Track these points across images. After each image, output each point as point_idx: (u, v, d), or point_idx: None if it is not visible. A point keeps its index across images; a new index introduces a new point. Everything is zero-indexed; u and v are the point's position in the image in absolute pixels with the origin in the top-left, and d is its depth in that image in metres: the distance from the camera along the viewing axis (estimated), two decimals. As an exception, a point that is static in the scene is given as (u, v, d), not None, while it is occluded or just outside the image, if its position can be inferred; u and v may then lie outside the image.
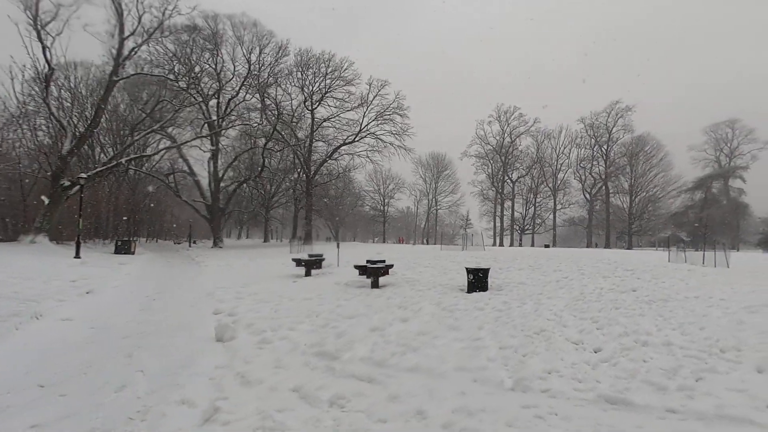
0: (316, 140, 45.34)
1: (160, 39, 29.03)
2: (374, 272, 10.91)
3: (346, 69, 40.58)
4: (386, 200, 71.16)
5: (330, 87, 41.49)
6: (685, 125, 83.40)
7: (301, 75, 40.64)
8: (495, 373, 4.34)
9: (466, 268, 10.49)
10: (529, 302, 8.44)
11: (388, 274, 13.00)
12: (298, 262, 14.23)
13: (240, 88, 36.70)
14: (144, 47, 27.66)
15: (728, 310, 7.47)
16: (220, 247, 35.83)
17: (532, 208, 68.86)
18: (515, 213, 69.68)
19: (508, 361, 4.78)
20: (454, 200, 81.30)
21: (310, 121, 43.43)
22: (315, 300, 9.07)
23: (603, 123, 61.13)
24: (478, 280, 10.28)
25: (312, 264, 14.21)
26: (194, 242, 40.16)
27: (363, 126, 42.67)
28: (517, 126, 65.94)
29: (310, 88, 41.96)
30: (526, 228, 68.68)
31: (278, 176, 49.34)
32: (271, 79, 37.77)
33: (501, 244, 65.15)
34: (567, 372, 4.43)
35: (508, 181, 69.29)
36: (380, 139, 42.90)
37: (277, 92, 39.16)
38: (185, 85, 31.68)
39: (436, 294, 9.71)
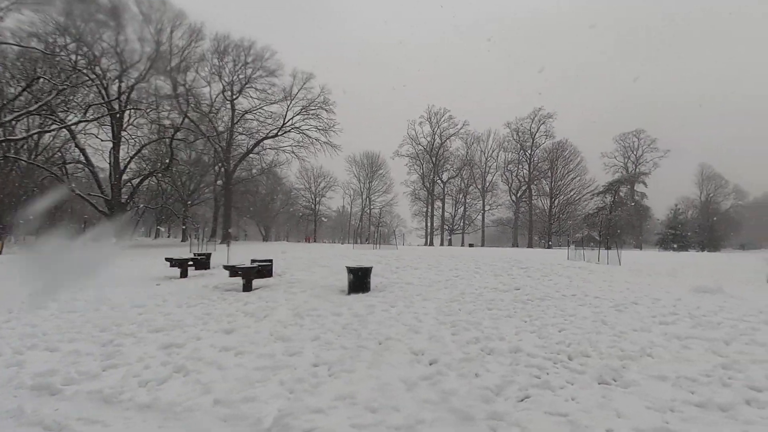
0: (239, 133, 42.68)
1: (38, 7, 25.26)
2: (245, 274, 9.57)
3: (268, 59, 38.52)
4: (318, 199, 69.28)
5: (251, 77, 39.17)
6: (600, 134, 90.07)
7: (219, 62, 37.92)
8: (259, 407, 3.27)
9: (347, 268, 9.50)
10: (401, 304, 7.59)
11: (270, 275, 11.69)
12: (173, 263, 12.47)
13: (147, 72, 33.31)
14: (20, 16, 23.92)
15: (597, 309, 7.11)
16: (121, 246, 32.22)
17: (462, 208, 70.50)
18: (445, 213, 70.96)
19: (299, 386, 3.72)
20: (388, 200, 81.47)
21: (230, 112, 40.70)
22: (150, 307, 7.56)
23: (527, 128, 64.03)
24: (358, 281, 9.33)
25: (188, 264, 12.52)
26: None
27: (287, 120, 40.81)
28: (447, 128, 67.24)
29: (231, 77, 39.36)
30: (455, 228, 70.12)
31: (198, 170, 45.80)
32: (183, 63, 34.72)
33: (431, 244, 65.94)
34: (363, 397, 3.46)
35: (439, 181, 70.37)
36: (306, 135, 41.30)
37: (192, 79, 36.12)
38: (83, 63, 27.91)
39: (308, 297, 8.59)
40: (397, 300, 8.02)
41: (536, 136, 63.44)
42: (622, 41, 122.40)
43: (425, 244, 66.65)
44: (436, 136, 68.36)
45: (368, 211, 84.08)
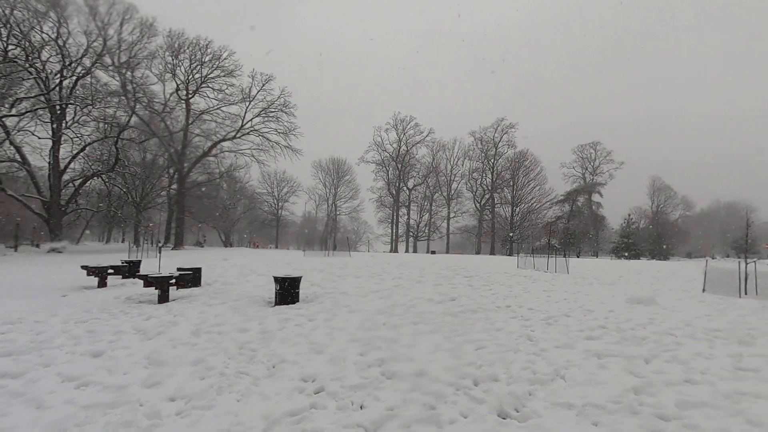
0: (195, 134, 40.97)
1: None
2: (159, 284, 8.69)
3: (226, 58, 37.24)
4: (281, 204, 67.72)
5: (207, 76, 37.74)
6: (560, 145, 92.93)
7: (173, 60, 36.30)
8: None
9: (274, 278, 8.80)
10: (321, 318, 6.98)
11: (197, 284, 10.83)
12: (90, 271, 11.34)
13: (92, 67, 31.41)
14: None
15: (527, 323, 6.74)
16: (59, 252, 29.96)
17: (427, 215, 70.68)
18: (411, 220, 70.96)
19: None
20: (354, 206, 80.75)
21: (185, 112, 39.04)
22: (28, 323, 6.60)
23: (491, 138, 65.06)
24: (285, 292, 8.65)
25: (107, 273, 11.44)
26: (16, 247, 32.94)
27: (246, 122, 39.55)
28: (413, 135, 67.42)
29: (186, 75, 37.77)
30: (420, 235, 70.21)
31: (153, 172, 43.56)
32: (134, 60, 33.01)
33: (396, 250, 65.67)
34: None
35: (405, 188, 70.39)
36: (266, 138, 40.11)
37: (142, 75, 34.38)
38: (19, 54, 25.82)
39: (225, 309, 7.84)
40: (319, 313, 7.40)
41: (499, 146, 64.61)
42: (582, 57, 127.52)
43: (390, 250, 66.37)
44: (402, 143, 68.47)
45: (334, 217, 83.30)
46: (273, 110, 39.78)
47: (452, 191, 69.07)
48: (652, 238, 55.35)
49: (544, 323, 6.70)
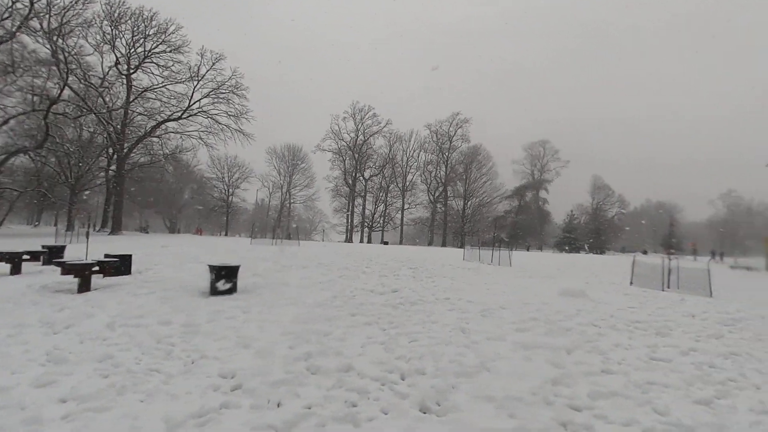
0: (137, 113, 38.38)
1: None
2: (77, 271, 7.99)
3: (172, 33, 35.02)
4: (231, 190, 65.28)
5: (152, 51, 35.33)
6: (512, 142, 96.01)
7: (113, 30, 33.64)
8: None
9: (210, 267, 8.36)
10: (255, 310, 6.69)
11: (127, 273, 10.13)
12: (0, 256, 10.27)
13: (16, 31, 28.45)
14: None
15: (463, 315, 6.81)
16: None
17: (383, 206, 70.84)
18: (366, 210, 70.87)
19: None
20: (310, 194, 79.46)
21: (126, 88, 36.41)
22: None
23: (446, 131, 66.06)
24: (222, 281, 8.23)
25: (21, 259, 10.43)
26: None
27: (193, 102, 37.51)
28: (371, 125, 67.10)
29: (128, 49, 35.17)
30: (375, 225, 70.34)
31: (90, 152, 40.32)
32: (66, 27, 30.23)
33: (350, 240, 65.46)
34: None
35: (361, 178, 70.07)
36: (215, 120, 38.29)
37: (77, 45, 31.60)
38: None
39: (151, 300, 7.34)
40: (256, 305, 7.09)
41: (454, 139, 65.75)
42: (533, 57, 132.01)
43: (345, 240, 66.06)
44: (360, 132, 67.96)
45: (288, 205, 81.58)
46: (224, 91, 38.03)
47: (407, 183, 69.70)
48: (592, 233, 58.73)
49: (480, 315, 6.80)
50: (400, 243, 65.27)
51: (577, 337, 5.68)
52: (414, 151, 69.19)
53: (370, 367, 4.30)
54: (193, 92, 37.41)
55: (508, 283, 10.56)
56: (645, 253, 50.43)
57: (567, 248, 52.27)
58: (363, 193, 70.23)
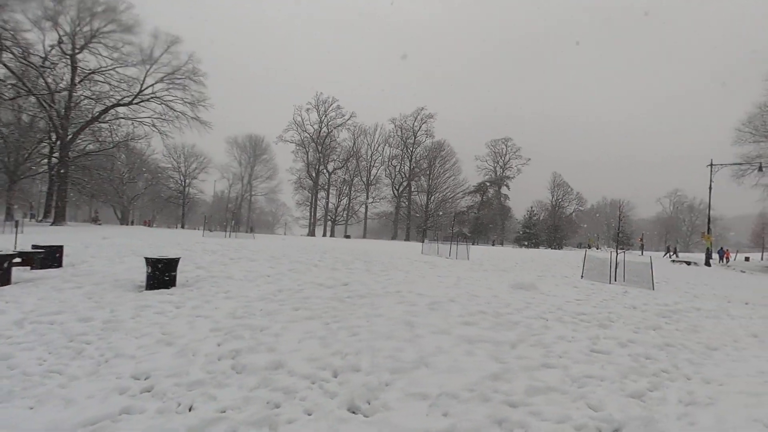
0: (84, 96, 35.90)
1: None
2: (-7, 263, 7.22)
3: (123, 11, 32.93)
4: (188, 181, 62.74)
5: (99, 30, 33.10)
6: (475, 138, 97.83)
7: (55, 5, 31.21)
8: None
9: (146, 259, 7.79)
10: (190, 305, 6.27)
11: (58, 265, 9.37)
12: None
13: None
14: None
15: (412, 308, 6.63)
16: None
17: (346, 199, 70.22)
18: (329, 204, 70.06)
19: None
20: (272, 186, 77.70)
21: (71, 69, 33.97)
22: None
23: (410, 126, 66.14)
24: (159, 274, 7.70)
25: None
26: None
27: (145, 87, 35.50)
28: (335, 117, 66.19)
29: (72, 26, 32.77)
30: (338, 219, 69.67)
31: (30, 137, 37.36)
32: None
33: (313, 234, 64.57)
34: None
35: (325, 171, 69.12)
36: (169, 106, 36.44)
37: (11, 19, 29.09)
38: None
39: (77, 294, 6.74)
40: (192, 299, 6.65)
41: (418, 134, 65.96)
42: (497, 55, 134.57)
43: (308, 234, 65.07)
44: (324, 124, 66.88)
45: (249, 197, 79.43)
46: (179, 77, 36.19)
47: (371, 177, 69.31)
48: (550, 229, 60.70)
49: (428, 309, 6.65)
50: (364, 237, 65.01)
51: (523, 331, 5.64)
52: (379, 145, 68.95)
53: (302, 364, 4.03)
54: (145, 76, 35.42)
55: (461, 276, 10.53)
56: (598, 249, 52.68)
57: (526, 243, 53.76)
58: (326, 187, 69.36)
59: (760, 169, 27.84)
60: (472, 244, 49.09)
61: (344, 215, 69.40)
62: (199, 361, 4.01)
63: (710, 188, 26.90)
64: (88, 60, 34.93)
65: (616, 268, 12.45)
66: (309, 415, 3.10)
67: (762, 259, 47.99)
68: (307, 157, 67.76)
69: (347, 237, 47.96)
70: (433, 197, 65.63)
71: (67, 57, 33.43)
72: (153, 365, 3.84)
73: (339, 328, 5.33)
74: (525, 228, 60.37)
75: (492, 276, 11.18)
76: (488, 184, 65.17)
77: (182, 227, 60.44)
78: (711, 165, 27.00)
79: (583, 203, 71.25)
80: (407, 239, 62.01)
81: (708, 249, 26.75)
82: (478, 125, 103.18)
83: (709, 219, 29.04)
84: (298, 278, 8.89)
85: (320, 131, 66.68)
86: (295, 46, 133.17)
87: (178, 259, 8.15)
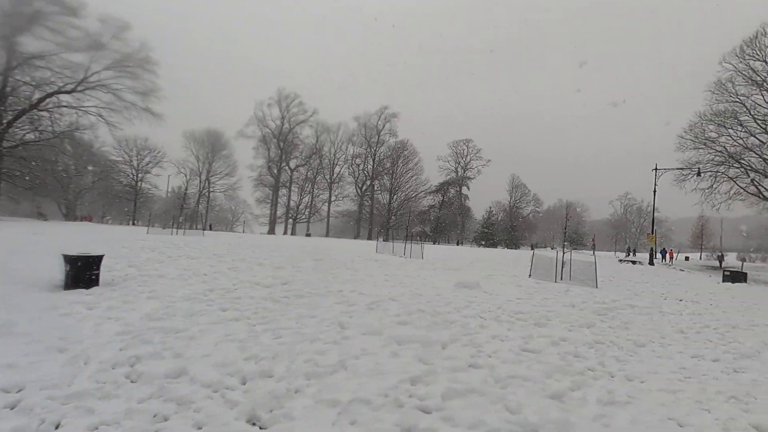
0: (23, 82, 33.30)
1: None
2: None
3: (66, -7, 30.76)
4: (140, 175, 59.76)
5: (40, 11, 30.80)
6: (437, 138, 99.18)
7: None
8: None
9: (64, 257, 7.14)
10: (104, 305, 5.75)
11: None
12: None
13: None
14: None
15: (349, 308, 6.42)
16: None
17: (309, 197, 69.19)
18: (291, 201, 68.80)
19: None
20: (231, 183, 75.29)
21: (6, 51, 31.44)
22: None
23: (374, 124, 65.99)
24: (79, 273, 7.08)
25: None
26: None
27: (91, 73, 33.40)
28: (297, 114, 65.05)
29: (11, 6, 30.31)
30: (300, 217, 68.54)
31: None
32: None
33: (273, 232, 63.20)
34: None
35: (287, 168, 67.85)
36: (117, 96, 34.46)
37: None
38: None
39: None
40: (108, 300, 6.11)
41: (382, 133, 65.92)
42: (457, 57, 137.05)
43: (268, 232, 63.59)
44: (286, 120, 65.59)
45: (207, 194, 76.67)
46: (130, 65, 34.30)
47: (335, 175, 68.65)
48: (508, 229, 62.23)
49: (366, 308, 6.44)
50: (327, 236, 64.28)
51: (458, 330, 5.52)
52: (342, 143, 68.32)
53: (209, 370, 3.69)
54: (91, 62, 33.30)
55: (410, 275, 10.41)
56: (552, 248, 54.60)
57: (483, 243, 54.87)
58: (288, 184, 68.08)
59: (699, 174, 29.63)
60: (433, 244, 49.76)
61: (306, 213, 68.37)
62: (90, 369, 3.58)
63: (654, 192, 28.30)
64: (26, 43, 32.46)
65: (562, 268, 12.72)
66: (199, 429, 2.78)
67: (700, 258, 51.29)
68: (269, 154, 66.31)
69: (308, 235, 47.21)
70: (395, 196, 65.80)
71: (3, 39, 30.91)
72: (32, 376, 3.38)
73: (264, 330, 5.01)
74: (483, 228, 61.58)
75: (442, 275, 11.13)
76: (449, 183, 65.99)
77: (133, 224, 57.52)
78: (656, 169, 28.42)
79: (539, 204, 73.57)
80: (370, 238, 61.83)
81: (652, 249, 28.12)
82: (440, 126, 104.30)
83: (653, 221, 30.58)
84: (237, 277, 8.45)
85: (282, 127, 65.38)
86: (258, 39, 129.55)
87: (101, 256, 7.52)
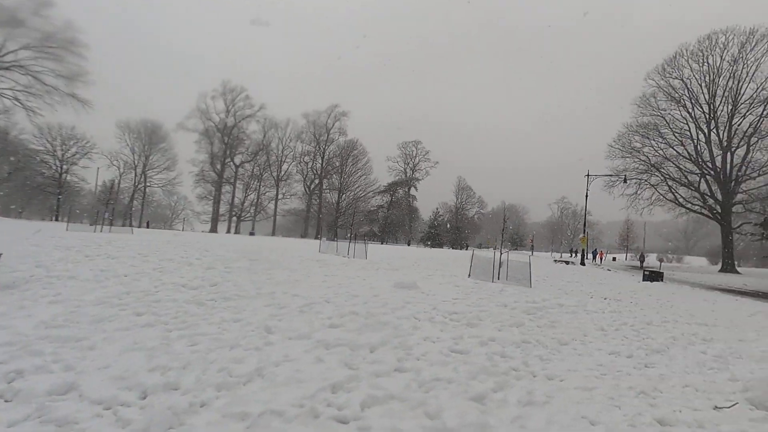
0: None
1: None
2: None
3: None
4: (66, 167, 54.92)
5: (-58, -21, 27.37)
6: (387, 139, 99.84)
7: None
8: None
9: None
10: (-7, 312, 5.04)
11: None
12: None
13: None
14: None
15: (280, 311, 6.13)
16: None
17: (254, 195, 67.07)
18: (236, 199, 66.32)
19: None
20: (170, 178, 71.16)
21: None
22: None
23: (324, 122, 65.24)
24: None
25: None
26: None
27: (5, 52, 30.21)
28: (243, 108, 62.84)
29: None
30: (245, 215, 66.28)
31: None
32: None
33: (215, 230, 60.58)
34: None
35: (231, 164, 65.32)
36: (37, 78, 31.43)
37: None
38: None
39: None
40: (2, 305, 5.40)
41: (331, 132, 65.32)
42: (405, 62, 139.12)
43: (210, 230, 60.81)
44: (231, 114, 63.13)
45: (143, 189, 71.92)
46: (52, 46, 31.39)
47: (282, 172, 67.12)
48: (454, 230, 63.94)
49: (297, 311, 6.18)
50: (273, 234, 62.63)
51: (390, 332, 5.41)
52: (290, 140, 66.97)
53: (104, 384, 3.30)
54: (5, 40, 30.10)
55: (350, 275, 10.23)
56: (496, 249, 56.74)
57: (429, 243, 55.93)
58: (233, 181, 65.58)
59: (625, 181, 31.98)
60: (381, 244, 50.03)
61: (252, 211, 66.22)
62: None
63: (587, 196, 30.18)
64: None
65: (499, 268, 13.10)
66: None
67: (626, 259, 55.49)
68: (212, 148, 63.58)
69: (251, 234, 45.64)
70: (344, 196, 65.44)
71: None
72: None
73: (180, 336, 4.62)
74: (430, 228, 62.83)
75: (383, 275, 11.05)
76: (398, 184, 66.66)
77: (56, 219, 52.70)
78: (588, 175, 30.32)
79: (484, 206, 76.24)
80: (317, 237, 60.98)
81: (583, 250, 29.96)
82: (390, 127, 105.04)
83: (585, 223, 32.60)
84: (160, 278, 7.86)
85: (227, 121, 62.84)
86: (201, 30, 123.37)
87: (-2, 255, 6.69)
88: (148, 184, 71.36)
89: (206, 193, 64.73)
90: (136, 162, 68.88)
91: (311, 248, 17.89)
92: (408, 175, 69.69)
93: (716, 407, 3.94)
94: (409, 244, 55.11)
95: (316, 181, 66.42)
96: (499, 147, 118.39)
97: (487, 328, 6.15)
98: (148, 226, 52.91)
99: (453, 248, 55.29)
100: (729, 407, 3.91)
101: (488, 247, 52.59)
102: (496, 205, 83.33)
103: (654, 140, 36.61)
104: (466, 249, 56.03)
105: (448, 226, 63.71)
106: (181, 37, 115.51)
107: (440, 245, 57.21)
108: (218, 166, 63.62)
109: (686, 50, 34.86)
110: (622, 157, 36.78)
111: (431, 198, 72.97)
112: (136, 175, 69.89)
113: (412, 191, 68.87)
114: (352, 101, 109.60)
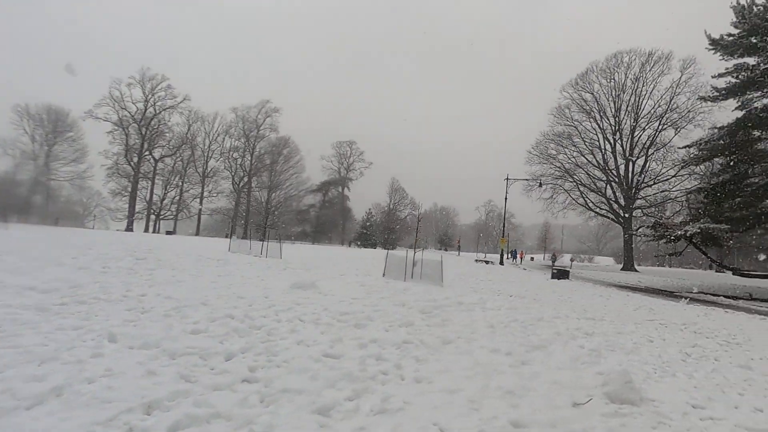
0: None
1: None
2: None
3: None
4: (-56, 154, 47.52)
5: None
6: (321, 138, 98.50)
7: None
8: None
9: None
10: None
11: None
12: None
13: None
14: None
15: (141, 315, 5.39)
16: None
17: (176, 192, 62.62)
18: (155, 195, 61.43)
19: None
20: (79, 171, 64.26)
21: None
22: None
23: (254, 118, 62.63)
24: None
25: None
26: None
27: None
28: (164, 98, 58.42)
29: None
30: (166, 213, 61.65)
31: None
32: None
33: (131, 228, 55.68)
34: None
35: (150, 158, 60.42)
36: None
37: None
38: None
39: None
40: None
41: (261, 128, 62.89)
42: (342, 63, 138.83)
43: (126, 229, 55.72)
44: (150, 104, 58.37)
45: (47, 182, 64.25)
46: None
47: (209, 169, 63.35)
48: (386, 230, 64.40)
49: (162, 315, 5.48)
50: (197, 234, 58.90)
51: (259, 337, 4.93)
52: (218, 135, 63.40)
53: None
54: None
55: (248, 275, 9.55)
56: (426, 248, 57.90)
57: (359, 243, 55.80)
58: (152, 176, 60.68)
59: (540, 185, 34.03)
60: (312, 244, 48.98)
61: (172, 209, 61.74)
62: None
63: (506, 198, 31.65)
64: None
65: (413, 267, 13.05)
66: None
67: (543, 259, 59.24)
68: (127, 140, 58.25)
69: (169, 233, 42.50)
70: (275, 194, 63.28)
71: None
72: None
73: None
74: (362, 229, 62.75)
75: (287, 275, 10.48)
76: (331, 183, 65.86)
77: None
78: (507, 179, 31.80)
79: (416, 208, 77.64)
80: (245, 236, 58.30)
81: (502, 250, 31.33)
82: (325, 132, 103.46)
83: (504, 224, 34.17)
84: (4, 281, 6.67)
85: (145, 112, 58.03)
86: (123, 10, 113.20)
87: None
88: (53, 177, 64.18)
89: (121, 188, 59.27)
90: (37, 152, 61.56)
91: (221, 247, 16.78)
92: (342, 174, 69.15)
93: (575, 404, 3.93)
94: (342, 245, 54.58)
95: (245, 179, 63.60)
96: (433, 154, 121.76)
97: (374, 329, 5.86)
98: (56, 224, 47.13)
99: (384, 249, 55.59)
100: (585, 403, 3.91)
101: (421, 248, 53.62)
102: (428, 207, 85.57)
103: (568, 148, 39.46)
104: (393, 249, 56.65)
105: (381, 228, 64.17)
106: (92, 19, 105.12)
107: (373, 245, 57.25)
108: (135, 160, 58.54)
109: (596, 66, 38.00)
110: (540, 163, 39.21)
111: (365, 200, 73.04)
112: (37, 167, 62.51)
113: (346, 192, 68.47)
114: (286, 102, 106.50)
